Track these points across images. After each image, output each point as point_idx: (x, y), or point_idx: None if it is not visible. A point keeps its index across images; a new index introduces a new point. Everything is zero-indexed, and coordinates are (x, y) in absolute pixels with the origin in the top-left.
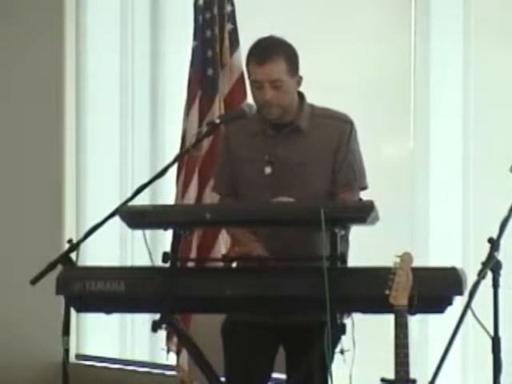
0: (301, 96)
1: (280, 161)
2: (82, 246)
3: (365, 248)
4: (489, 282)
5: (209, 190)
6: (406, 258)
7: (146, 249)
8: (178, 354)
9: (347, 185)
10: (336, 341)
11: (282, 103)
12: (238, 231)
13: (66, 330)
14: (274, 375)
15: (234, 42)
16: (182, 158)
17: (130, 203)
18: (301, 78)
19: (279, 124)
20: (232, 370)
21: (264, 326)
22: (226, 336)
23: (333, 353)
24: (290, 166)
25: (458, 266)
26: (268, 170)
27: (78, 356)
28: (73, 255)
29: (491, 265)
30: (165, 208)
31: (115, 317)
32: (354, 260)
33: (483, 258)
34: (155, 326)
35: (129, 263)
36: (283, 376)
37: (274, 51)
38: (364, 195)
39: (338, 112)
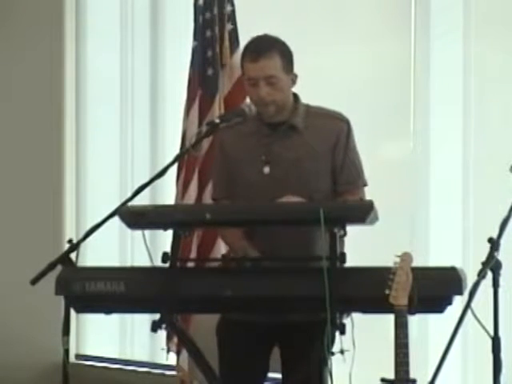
0: (295, 96)
1: (277, 159)
2: (82, 245)
3: (365, 248)
4: (489, 282)
5: (209, 189)
6: (406, 257)
7: (146, 249)
8: (178, 354)
9: (351, 183)
10: (332, 341)
11: (276, 100)
12: (228, 233)
13: (65, 330)
14: (271, 375)
15: (234, 42)
16: (182, 158)
17: (129, 203)
18: (296, 75)
19: (274, 123)
20: (227, 369)
21: (259, 325)
22: (220, 335)
23: (331, 352)
24: (287, 163)
25: (458, 266)
26: (266, 169)
27: (77, 356)
28: (73, 255)
29: (491, 265)
30: (165, 208)
31: (115, 317)
32: (354, 260)
33: (483, 258)
34: (155, 326)
35: (129, 263)
36: (278, 375)
37: (268, 48)
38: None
39: (334, 111)
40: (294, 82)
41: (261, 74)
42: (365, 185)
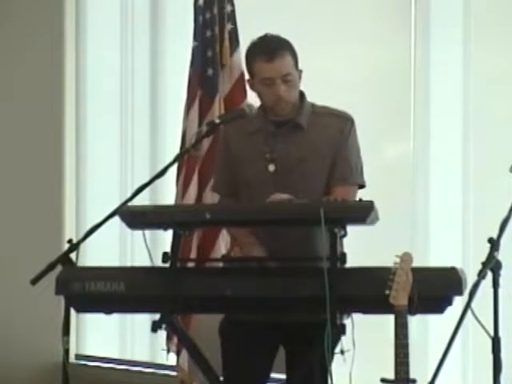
0: (301, 94)
1: (281, 157)
2: (82, 246)
3: (365, 248)
4: (489, 282)
5: (209, 190)
6: (406, 257)
7: (146, 249)
8: (178, 354)
9: (342, 179)
10: (336, 341)
11: (292, 97)
12: (237, 232)
13: (65, 330)
14: (275, 375)
15: (234, 42)
16: (182, 158)
17: (129, 203)
18: (301, 71)
19: (279, 121)
20: (230, 369)
21: (263, 325)
22: (223, 335)
23: (332, 353)
24: (291, 161)
25: (458, 266)
26: (272, 167)
27: (77, 356)
28: (73, 255)
29: (491, 265)
30: (165, 208)
31: (115, 317)
32: (354, 260)
33: (483, 258)
34: (155, 326)
35: (129, 263)
36: (283, 376)
37: (281, 46)
38: (364, 195)
39: (339, 110)
40: (300, 77)
41: (277, 73)
42: (361, 185)
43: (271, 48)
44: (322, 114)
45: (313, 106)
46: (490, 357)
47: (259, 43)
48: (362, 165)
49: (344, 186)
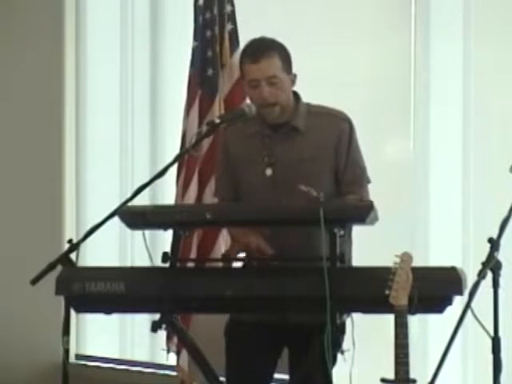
0: (296, 95)
1: (279, 161)
2: (82, 246)
3: (365, 248)
4: (489, 282)
5: (209, 189)
6: (406, 257)
7: (146, 249)
8: (178, 354)
9: (356, 183)
10: (339, 343)
11: (279, 100)
12: (236, 230)
13: (65, 330)
14: (279, 376)
15: (234, 42)
16: (182, 158)
17: (129, 203)
18: (295, 75)
19: (276, 124)
20: (234, 370)
21: (268, 326)
22: (229, 337)
23: (335, 355)
24: (289, 165)
25: (458, 266)
26: (269, 171)
27: (77, 356)
28: (73, 255)
29: (491, 265)
30: (165, 208)
31: (115, 317)
32: (354, 260)
33: (483, 258)
34: (155, 326)
35: (129, 263)
36: (284, 376)
37: (268, 48)
38: None
39: (335, 109)
40: (293, 82)
41: (262, 74)
42: (368, 182)
43: (258, 49)
44: (317, 114)
45: (308, 105)
46: (490, 357)
47: (250, 44)
48: (365, 161)
49: (358, 190)
